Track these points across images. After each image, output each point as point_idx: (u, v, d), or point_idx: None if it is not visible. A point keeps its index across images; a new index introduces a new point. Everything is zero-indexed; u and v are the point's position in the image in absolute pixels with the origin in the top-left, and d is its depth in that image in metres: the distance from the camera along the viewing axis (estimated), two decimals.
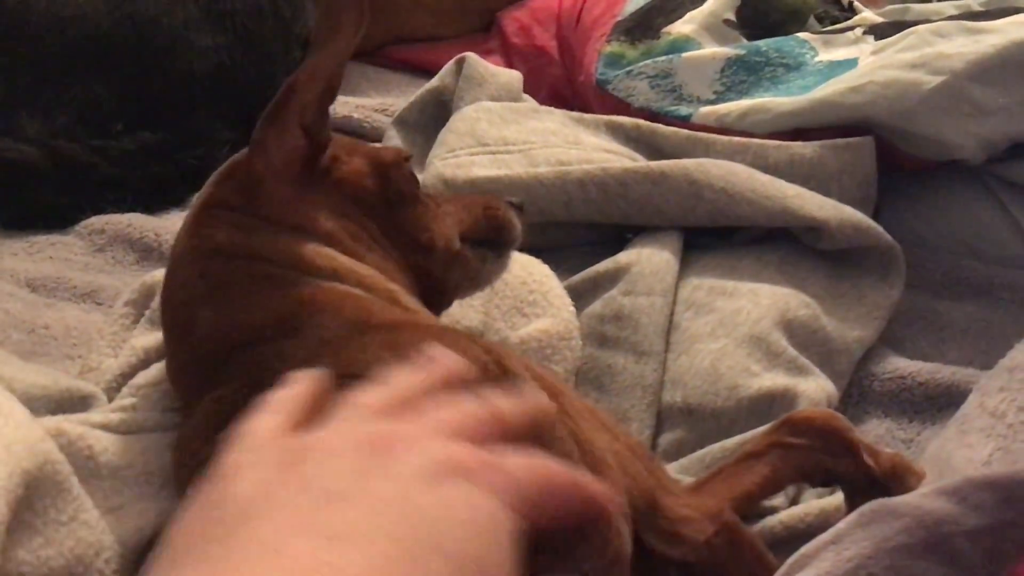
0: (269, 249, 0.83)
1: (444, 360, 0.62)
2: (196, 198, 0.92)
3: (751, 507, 0.91)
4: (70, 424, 0.87)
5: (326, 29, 0.85)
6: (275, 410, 0.57)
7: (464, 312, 1.09)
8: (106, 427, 0.89)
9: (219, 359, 0.81)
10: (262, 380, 0.66)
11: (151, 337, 1.04)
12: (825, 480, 0.92)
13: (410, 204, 0.93)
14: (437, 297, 0.96)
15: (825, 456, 0.89)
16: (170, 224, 1.47)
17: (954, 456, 0.86)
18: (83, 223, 1.48)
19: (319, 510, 0.49)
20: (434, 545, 0.49)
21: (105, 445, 0.86)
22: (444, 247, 0.94)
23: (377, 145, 0.98)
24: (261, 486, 0.51)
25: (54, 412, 0.92)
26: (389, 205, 0.91)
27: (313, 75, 0.85)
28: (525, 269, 1.12)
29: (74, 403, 0.95)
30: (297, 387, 0.59)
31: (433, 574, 0.48)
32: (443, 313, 1.00)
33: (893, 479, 0.88)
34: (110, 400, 0.98)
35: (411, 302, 0.88)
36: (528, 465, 0.56)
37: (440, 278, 0.95)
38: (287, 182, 0.86)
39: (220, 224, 0.85)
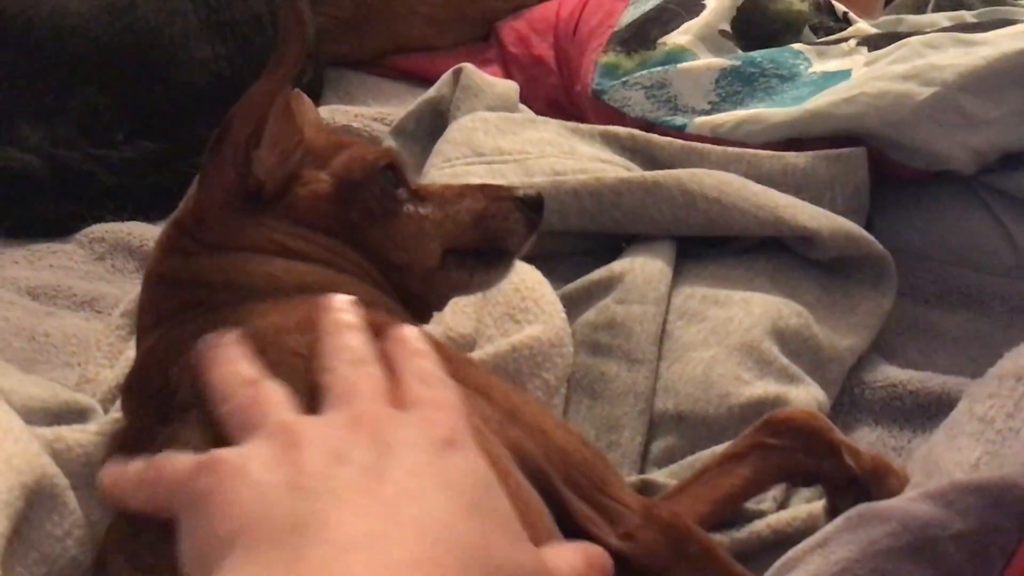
0: (207, 272, 0.82)
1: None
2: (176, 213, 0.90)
3: (734, 508, 0.92)
4: (68, 431, 0.87)
5: (273, 61, 0.82)
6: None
7: (456, 318, 1.09)
8: (101, 437, 0.89)
9: (154, 389, 0.79)
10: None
11: None
12: (807, 480, 0.93)
13: (381, 222, 0.88)
14: (419, 307, 0.92)
15: (806, 456, 0.90)
16: None
17: (943, 459, 0.87)
18: (83, 231, 1.49)
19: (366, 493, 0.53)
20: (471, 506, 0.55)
21: (102, 454, 0.86)
22: (419, 266, 0.89)
23: (361, 150, 0.91)
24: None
25: (51, 425, 0.92)
26: (353, 226, 0.87)
27: (248, 112, 0.82)
28: (518, 275, 1.12)
29: (72, 416, 0.95)
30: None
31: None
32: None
33: (874, 480, 0.88)
34: (106, 412, 0.99)
35: (361, 292, 0.81)
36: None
37: (417, 293, 0.90)
38: (229, 210, 0.84)
39: (171, 248, 0.85)
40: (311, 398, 0.62)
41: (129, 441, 0.76)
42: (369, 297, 0.83)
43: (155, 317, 0.83)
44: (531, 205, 0.93)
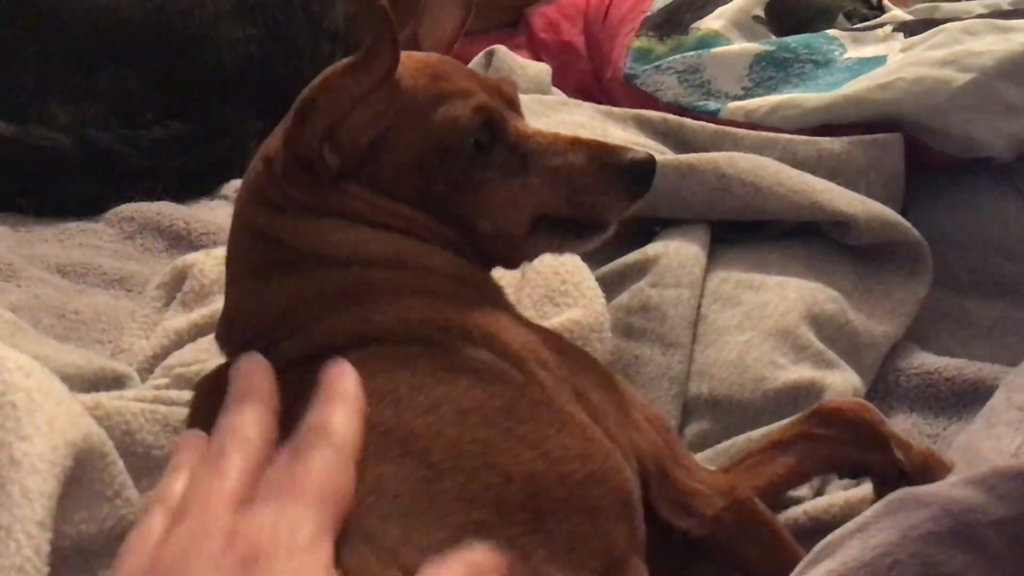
0: (289, 235, 0.81)
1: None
2: (271, 136, 0.85)
3: (776, 497, 0.91)
4: (107, 398, 0.87)
5: (361, 60, 0.78)
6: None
7: None
8: (141, 405, 0.89)
9: (244, 339, 0.81)
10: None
11: (183, 319, 1.06)
12: (853, 472, 0.92)
13: (468, 192, 0.83)
14: (507, 262, 0.89)
15: (854, 448, 0.89)
16: (199, 213, 1.49)
17: (983, 448, 0.86)
18: (113, 211, 1.49)
19: None
20: None
21: (141, 423, 0.86)
22: (506, 235, 0.85)
23: (456, 109, 0.82)
24: None
25: (87, 392, 0.93)
26: (438, 196, 0.83)
27: (330, 106, 0.79)
28: (557, 259, 1.10)
29: (108, 383, 0.96)
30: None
31: None
32: None
33: (923, 473, 0.87)
34: (143, 381, 0.99)
35: (445, 262, 0.83)
36: None
37: (503, 255, 0.87)
38: (309, 174, 0.81)
39: (260, 193, 0.83)
40: None
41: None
42: (453, 267, 0.83)
43: (241, 266, 0.84)
44: (636, 174, 0.85)
